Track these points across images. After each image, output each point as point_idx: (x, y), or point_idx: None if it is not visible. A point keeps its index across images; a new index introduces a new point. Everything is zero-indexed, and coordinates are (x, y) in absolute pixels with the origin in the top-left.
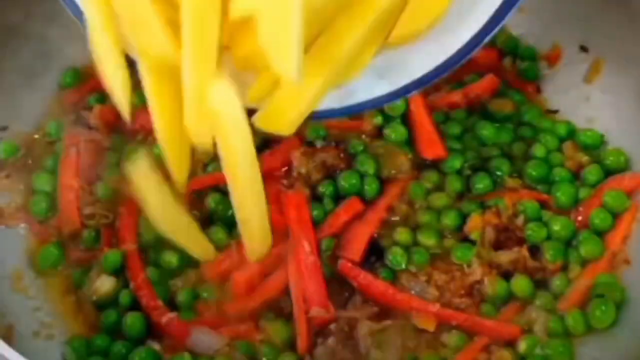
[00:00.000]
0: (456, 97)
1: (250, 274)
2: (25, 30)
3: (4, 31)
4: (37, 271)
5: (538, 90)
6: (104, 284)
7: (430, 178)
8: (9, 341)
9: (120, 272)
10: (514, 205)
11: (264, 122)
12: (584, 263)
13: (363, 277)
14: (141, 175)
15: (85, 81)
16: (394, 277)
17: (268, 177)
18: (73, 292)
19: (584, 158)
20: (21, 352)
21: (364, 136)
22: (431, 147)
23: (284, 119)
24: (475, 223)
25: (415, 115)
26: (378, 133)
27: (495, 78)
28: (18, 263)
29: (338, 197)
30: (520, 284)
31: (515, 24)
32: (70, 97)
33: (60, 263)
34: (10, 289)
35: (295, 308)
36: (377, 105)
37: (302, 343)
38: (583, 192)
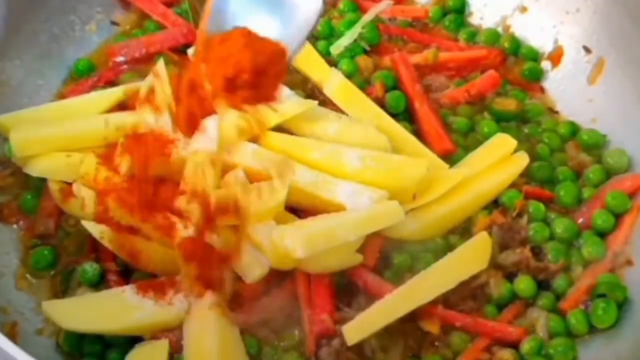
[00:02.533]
0: (458, 93)
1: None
2: None
3: None
4: (30, 272)
5: (542, 90)
6: None
7: None
8: (12, 338)
9: (100, 282)
10: (520, 204)
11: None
12: (586, 264)
13: (372, 280)
14: None
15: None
16: (398, 277)
17: None
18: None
19: (587, 158)
20: (25, 349)
21: None
22: (440, 142)
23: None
24: (483, 222)
25: (420, 112)
26: None
27: (496, 74)
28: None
29: None
30: (524, 284)
31: (519, 25)
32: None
33: (53, 266)
34: (14, 286)
35: (304, 312)
36: None
37: (310, 345)
38: (586, 192)
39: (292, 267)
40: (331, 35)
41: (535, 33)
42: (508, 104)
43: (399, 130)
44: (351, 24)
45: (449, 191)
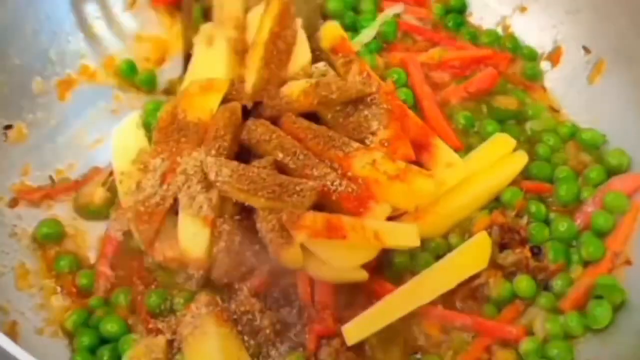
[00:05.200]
0: (457, 91)
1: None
2: None
3: None
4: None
5: (543, 89)
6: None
7: None
8: (13, 337)
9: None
10: (520, 204)
11: None
12: (586, 264)
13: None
14: None
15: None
16: (399, 277)
17: None
18: None
19: (587, 158)
20: (25, 348)
21: None
22: (447, 140)
23: None
24: (482, 222)
25: (428, 110)
26: None
27: (494, 71)
28: (22, 260)
29: None
30: (524, 284)
31: (519, 25)
32: None
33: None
34: (14, 286)
35: (305, 312)
36: None
37: (310, 344)
38: (585, 192)
39: (298, 267)
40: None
41: (535, 33)
42: (509, 103)
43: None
44: (370, 20)
45: (448, 191)
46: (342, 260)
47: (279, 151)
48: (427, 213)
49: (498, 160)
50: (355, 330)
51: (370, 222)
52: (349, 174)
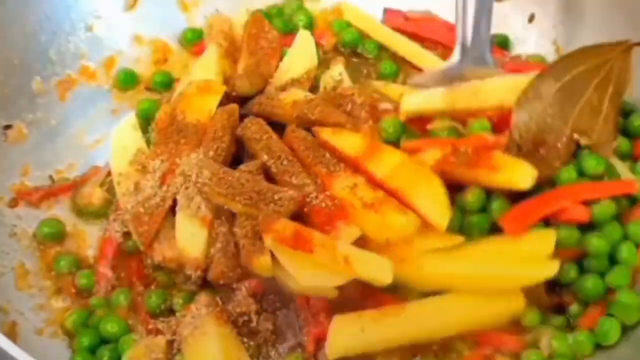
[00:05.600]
0: None
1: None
2: None
3: None
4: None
5: None
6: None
7: None
8: (12, 338)
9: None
10: None
11: None
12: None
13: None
14: None
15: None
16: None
17: None
18: None
19: None
20: (25, 349)
21: None
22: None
23: None
24: None
25: None
26: None
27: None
28: (22, 261)
29: None
30: (529, 316)
31: (518, 26)
32: None
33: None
34: (14, 286)
35: (304, 313)
36: None
37: (309, 346)
38: None
39: (268, 275)
40: None
41: (533, 34)
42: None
43: None
44: None
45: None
46: (307, 277)
47: (264, 153)
48: (399, 250)
49: (523, 257)
50: (340, 345)
51: (344, 245)
52: (328, 192)
